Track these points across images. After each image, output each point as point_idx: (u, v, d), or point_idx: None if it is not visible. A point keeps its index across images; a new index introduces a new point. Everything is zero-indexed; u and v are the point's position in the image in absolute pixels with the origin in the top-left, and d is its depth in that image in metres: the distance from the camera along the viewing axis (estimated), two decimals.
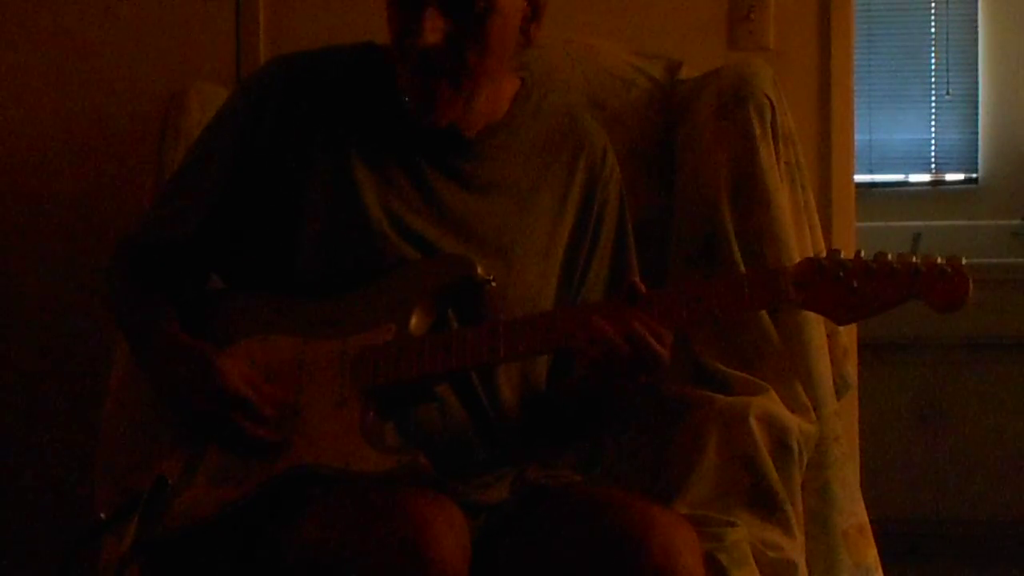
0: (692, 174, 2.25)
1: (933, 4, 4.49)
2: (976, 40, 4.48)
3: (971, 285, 1.56)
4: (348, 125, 1.82)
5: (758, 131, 2.22)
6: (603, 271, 1.91)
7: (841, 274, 1.60)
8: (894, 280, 1.58)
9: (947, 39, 4.49)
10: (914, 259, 1.58)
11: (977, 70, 4.48)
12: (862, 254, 1.61)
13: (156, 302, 1.84)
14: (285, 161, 1.81)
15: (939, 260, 1.57)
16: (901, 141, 4.51)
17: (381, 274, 1.76)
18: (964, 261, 1.57)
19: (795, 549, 2.00)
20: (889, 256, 1.59)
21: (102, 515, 1.78)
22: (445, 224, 1.80)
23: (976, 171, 4.49)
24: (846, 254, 1.62)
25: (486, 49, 1.76)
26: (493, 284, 1.74)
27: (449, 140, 1.82)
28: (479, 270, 1.73)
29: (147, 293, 1.85)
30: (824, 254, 1.64)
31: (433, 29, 1.71)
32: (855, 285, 1.59)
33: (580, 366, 1.76)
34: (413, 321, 1.72)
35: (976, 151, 4.49)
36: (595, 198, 1.90)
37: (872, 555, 2.15)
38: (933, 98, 4.51)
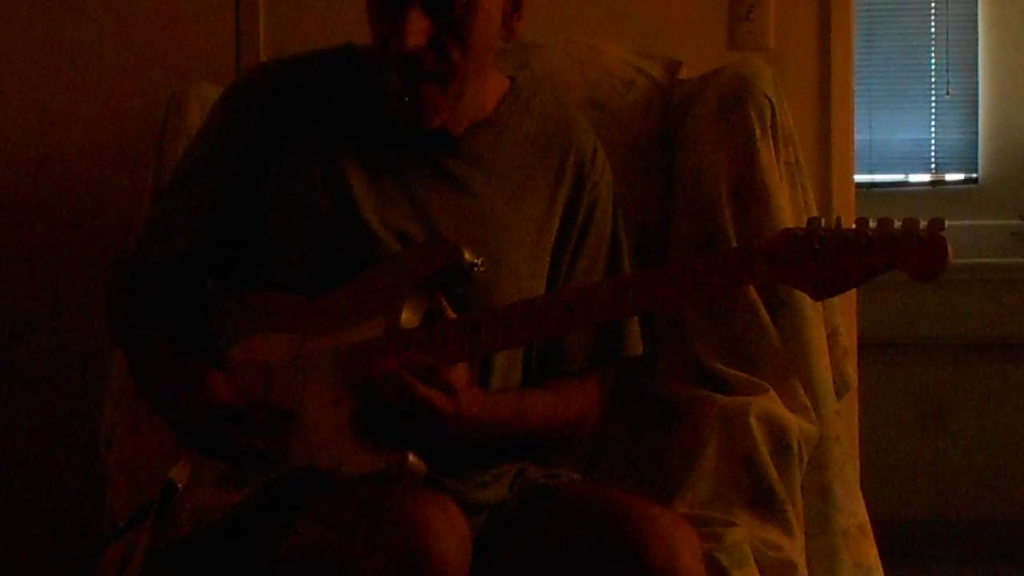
0: (692, 174, 2.25)
1: (933, 4, 4.49)
2: (976, 40, 4.48)
3: (950, 251, 1.50)
4: (333, 127, 1.82)
5: (758, 131, 2.22)
6: (596, 276, 1.89)
7: (817, 247, 1.54)
8: (871, 251, 1.51)
9: (947, 39, 4.49)
10: (895, 225, 1.51)
11: (977, 70, 4.48)
12: (841, 222, 1.54)
13: (152, 323, 1.84)
14: (272, 168, 1.81)
15: (920, 226, 1.51)
16: (901, 141, 4.51)
17: (371, 267, 1.75)
18: (946, 226, 1.51)
19: (795, 549, 2.00)
20: (870, 222, 1.52)
21: (119, 523, 1.79)
22: (431, 224, 1.80)
23: (976, 171, 4.49)
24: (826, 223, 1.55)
25: (469, 47, 1.75)
26: (482, 268, 1.72)
27: (434, 139, 1.81)
28: (466, 255, 1.71)
29: (145, 313, 1.86)
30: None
31: (416, 31, 1.71)
32: (831, 257, 1.53)
33: None
34: (404, 314, 1.71)
35: (976, 151, 4.49)
36: (583, 200, 1.89)
37: (873, 555, 2.15)
38: (933, 98, 4.51)
